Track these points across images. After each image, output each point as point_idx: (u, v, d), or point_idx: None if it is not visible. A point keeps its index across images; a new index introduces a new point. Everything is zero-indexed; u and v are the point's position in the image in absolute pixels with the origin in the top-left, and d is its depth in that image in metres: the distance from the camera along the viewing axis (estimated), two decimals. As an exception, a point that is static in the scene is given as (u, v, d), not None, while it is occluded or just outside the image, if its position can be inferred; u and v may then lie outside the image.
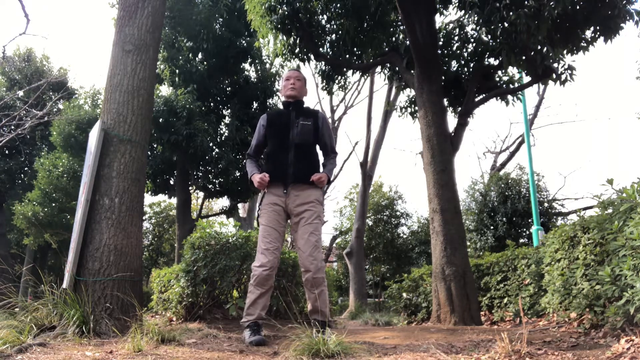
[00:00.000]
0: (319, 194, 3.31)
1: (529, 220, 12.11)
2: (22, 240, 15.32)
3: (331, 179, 3.42)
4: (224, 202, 34.84)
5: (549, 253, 3.86)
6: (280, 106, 12.95)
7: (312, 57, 6.67)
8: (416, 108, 7.35)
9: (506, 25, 5.00)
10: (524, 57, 5.41)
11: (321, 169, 3.42)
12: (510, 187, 12.76)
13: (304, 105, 3.54)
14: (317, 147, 3.50)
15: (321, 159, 3.53)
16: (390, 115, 14.65)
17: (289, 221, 3.37)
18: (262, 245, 3.17)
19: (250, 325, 3.06)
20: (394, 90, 13.14)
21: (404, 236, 16.93)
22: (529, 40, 5.05)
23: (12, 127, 10.57)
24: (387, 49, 6.95)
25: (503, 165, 18.06)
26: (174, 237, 17.98)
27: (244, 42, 11.80)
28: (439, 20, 9.11)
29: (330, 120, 18.64)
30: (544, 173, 24.13)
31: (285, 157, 3.28)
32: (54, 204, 13.07)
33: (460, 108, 6.40)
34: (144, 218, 3.85)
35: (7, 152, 16.83)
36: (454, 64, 6.95)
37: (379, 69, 7.84)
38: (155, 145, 11.04)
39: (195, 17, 10.74)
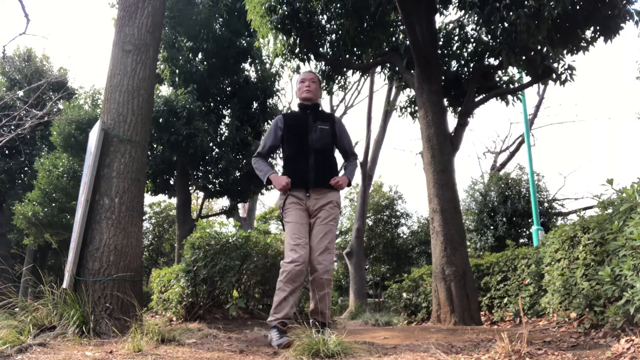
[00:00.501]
0: (337, 197, 3.37)
1: (529, 220, 12.11)
2: (22, 240, 15.31)
3: (352, 181, 3.47)
4: (224, 202, 34.89)
5: (549, 253, 3.86)
6: (280, 107, 13.01)
7: (312, 57, 6.67)
8: (416, 108, 7.35)
9: (506, 25, 5.00)
10: (524, 57, 5.41)
11: (340, 172, 3.47)
12: (510, 187, 12.76)
13: (320, 108, 3.56)
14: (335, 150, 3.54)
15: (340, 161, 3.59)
16: (390, 115, 14.64)
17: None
18: (292, 241, 3.15)
19: (277, 326, 3.01)
20: (394, 90, 13.14)
21: (404, 236, 16.93)
22: (529, 40, 5.04)
23: (12, 127, 10.56)
24: (387, 49, 6.95)
25: (503, 165, 18.06)
26: (174, 237, 17.98)
27: (244, 42, 11.79)
28: (439, 20, 9.12)
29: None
30: (544, 173, 24.17)
31: (305, 162, 3.30)
32: (54, 204, 13.07)
33: (460, 108, 6.40)
34: (144, 218, 3.84)
35: (7, 152, 16.84)
36: (454, 64, 6.94)
37: (379, 69, 7.84)
38: (155, 145, 11.04)
39: (195, 17, 10.74)
